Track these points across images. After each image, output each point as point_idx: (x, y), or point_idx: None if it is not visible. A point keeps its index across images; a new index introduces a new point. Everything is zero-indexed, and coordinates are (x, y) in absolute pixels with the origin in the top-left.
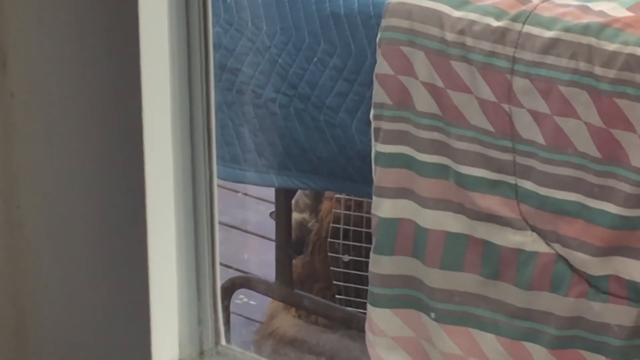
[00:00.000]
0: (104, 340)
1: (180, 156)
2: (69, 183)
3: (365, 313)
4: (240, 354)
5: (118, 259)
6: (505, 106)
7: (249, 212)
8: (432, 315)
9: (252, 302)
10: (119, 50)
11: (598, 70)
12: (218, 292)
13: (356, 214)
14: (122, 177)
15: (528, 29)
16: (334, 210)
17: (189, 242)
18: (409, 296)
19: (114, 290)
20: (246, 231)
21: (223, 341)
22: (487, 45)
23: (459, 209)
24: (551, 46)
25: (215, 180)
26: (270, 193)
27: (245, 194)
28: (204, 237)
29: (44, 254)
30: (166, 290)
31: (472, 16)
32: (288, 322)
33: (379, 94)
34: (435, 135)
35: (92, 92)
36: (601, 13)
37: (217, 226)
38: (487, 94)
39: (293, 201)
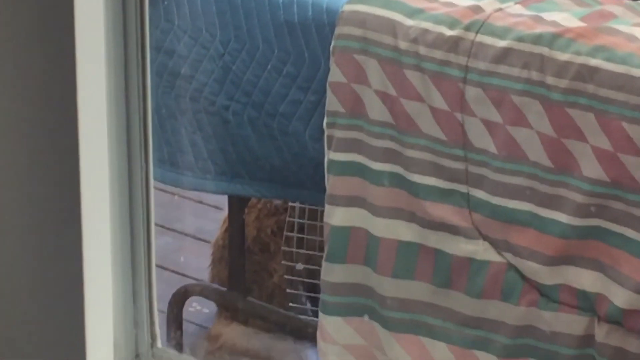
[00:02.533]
0: (38, 342)
1: (116, 160)
2: (1, 183)
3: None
4: (175, 356)
5: (52, 261)
6: (458, 115)
7: (204, 220)
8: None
9: (205, 310)
10: (55, 50)
11: (550, 80)
12: (154, 295)
13: (310, 222)
14: (57, 179)
15: (481, 38)
16: (287, 218)
17: (124, 245)
18: (361, 304)
19: (48, 293)
20: (200, 239)
21: (159, 343)
22: (440, 54)
23: (411, 217)
24: (504, 55)
25: (152, 184)
26: (224, 201)
27: (200, 202)
28: (139, 239)
29: None
30: (101, 292)
31: (426, 25)
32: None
33: (332, 102)
34: (388, 144)
35: (26, 91)
36: (554, 23)
37: (153, 229)
38: (440, 102)
39: None
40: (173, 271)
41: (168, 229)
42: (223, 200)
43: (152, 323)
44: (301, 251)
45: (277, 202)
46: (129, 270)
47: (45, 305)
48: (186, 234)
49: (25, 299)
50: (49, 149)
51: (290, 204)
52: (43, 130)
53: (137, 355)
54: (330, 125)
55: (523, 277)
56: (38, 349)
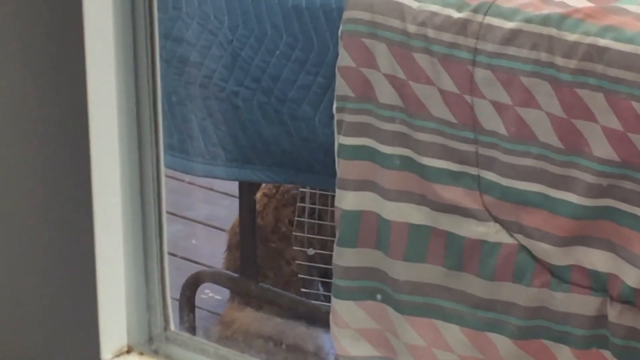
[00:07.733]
0: (51, 327)
1: (126, 145)
2: (14, 174)
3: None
4: (188, 339)
5: (65, 246)
6: (467, 97)
7: (215, 207)
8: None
9: (217, 297)
10: (65, 40)
11: (559, 61)
12: (166, 278)
13: (321, 207)
14: (68, 166)
15: (489, 20)
16: (299, 204)
17: (136, 228)
18: (373, 288)
19: (62, 278)
20: (211, 226)
21: (172, 326)
22: (448, 37)
23: (422, 200)
24: (512, 37)
25: (163, 170)
26: (235, 188)
27: (211, 189)
28: (151, 223)
29: None
30: (114, 276)
31: (433, 8)
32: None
33: (341, 86)
34: (397, 127)
35: (37, 79)
36: (562, 4)
37: (164, 213)
38: (449, 85)
39: None
40: (185, 258)
41: (180, 216)
42: (234, 187)
43: (165, 306)
44: (313, 236)
45: (295, 192)
46: (141, 254)
47: (58, 289)
48: (198, 222)
49: (40, 283)
50: (60, 137)
51: (301, 189)
52: (54, 119)
53: (150, 339)
54: (340, 109)
55: (535, 258)
56: (52, 332)
